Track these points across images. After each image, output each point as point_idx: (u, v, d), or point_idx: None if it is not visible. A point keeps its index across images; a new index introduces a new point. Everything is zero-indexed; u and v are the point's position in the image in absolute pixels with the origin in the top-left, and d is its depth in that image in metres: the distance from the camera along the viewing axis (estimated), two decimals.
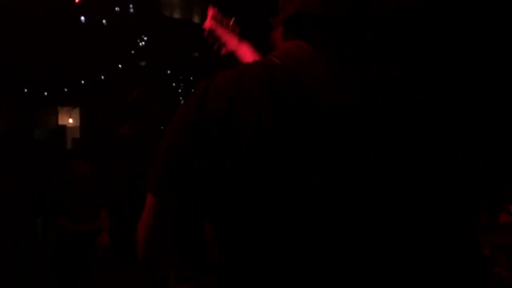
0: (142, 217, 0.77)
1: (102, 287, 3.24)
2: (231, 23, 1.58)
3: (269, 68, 0.70)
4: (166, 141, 0.74)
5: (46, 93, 6.90)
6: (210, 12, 1.55)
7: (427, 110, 0.71)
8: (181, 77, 7.17)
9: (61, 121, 8.59)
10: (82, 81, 6.55)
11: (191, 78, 6.87)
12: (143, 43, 5.68)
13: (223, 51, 1.59)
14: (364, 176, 0.66)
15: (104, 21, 4.80)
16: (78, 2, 4.27)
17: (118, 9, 4.63)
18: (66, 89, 6.83)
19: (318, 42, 0.74)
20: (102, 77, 6.48)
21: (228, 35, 1.58)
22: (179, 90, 7.14)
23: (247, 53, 1.56)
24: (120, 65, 6.17)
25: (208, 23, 1.56)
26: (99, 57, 5.98)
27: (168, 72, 6.72)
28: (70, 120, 8.70)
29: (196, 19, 5.50)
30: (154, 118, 4.25)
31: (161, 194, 0.73)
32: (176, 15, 5.37)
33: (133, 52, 5.89)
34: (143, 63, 6.53)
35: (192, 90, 0.78)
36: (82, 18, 4.58)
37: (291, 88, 0.68)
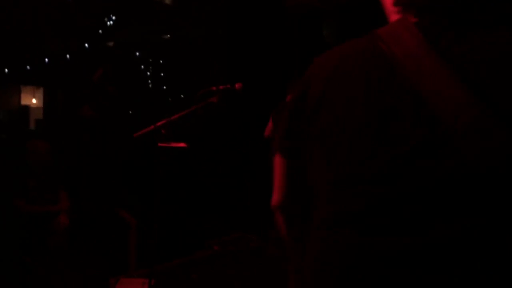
0: (276, 173, 1.08)
1: (59, 270, 3.15)
2: None
3: (372, 56, 0.80)
4: (284, 115, 1.01)
5: (7, 71, 6.63)
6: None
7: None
8: (150, 60, 7.02)
9: (24, 101, 8.30)
10: (46, 60, 6.32)
11: (161, 61, 6.73)
12: (111, 22, 5.51)
13: None
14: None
15: None
16: None
17: None
18: (28, 67, 6.58)
19: (425, 24, 0.78)
20: (68, 56, 6.27)
21: None
22: (148, 73, 6.99)
23: None
24: (86, 45, 5.97)
25: None
26: (65, 35, 5.77)
27: (137, 54, 6.56)
28: (34, 101, 8.41)
29: (167, 0, 5.37)
30: (114, 99, 4.14)
31: (285, 154, 1.02)
32: None
33: (100, 31, 5.71)
34: (111, 44, 6.35)
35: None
36: None
37: (389, 78, 0.76)
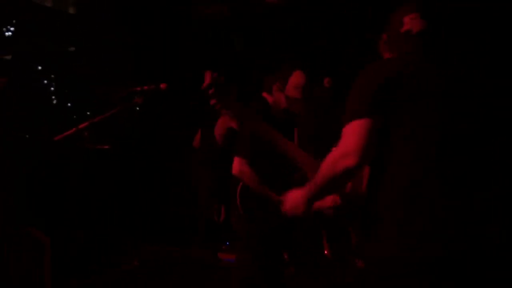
0: (351, 135, 1.51)
1: None
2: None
3: (399, 63, 1.62)
4: (357, 89, 1.59)
5: None
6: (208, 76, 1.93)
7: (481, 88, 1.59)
8: (53, 75, 6.63)
9: None
10: None
11: (66, 75, 6.39)
12: (10, 33, 5.16)
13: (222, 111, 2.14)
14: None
15: None
16: None
17: None
18: None
19: (419, 51, 1.63)
20: None
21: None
22: (51, 88, 6.60)
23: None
24: None
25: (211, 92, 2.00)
26: None
27: (39, 68, 6.18)
28: None
29: (71, 10, 5.16)
30: (18, 113, 3.88)
31: (370, 116, 1.49)
32: (48, 3, 4.98)
33: None
34: (8, 57, 5.92)
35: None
36: None
37: (412, 73, 1.56)
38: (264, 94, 2.96)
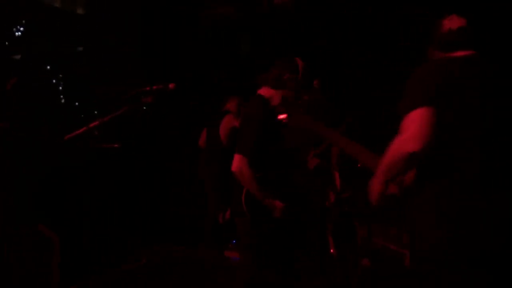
0: (413, 122, 1.65)
1: None
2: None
3: (448, 63, 1.83)
4: (417, 83, 1.76)
5: None
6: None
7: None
8: (61, 74, 6.69)
9: None
10: None
11: (74, 75, 6.45)
12: (19, 33, 5.22)
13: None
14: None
15: None
16: None
17: None
18: None
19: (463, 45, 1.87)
20: None
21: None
22: (60, 88, 6.66)
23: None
24: None
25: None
26: None
27: (48, 67, 6.24)
28: None
29: (79, 10, 5.21)
30: (27, 112, 3.92)
31: (431, 106, 1.66)
32: (56, 4, 5.03)
33: (7, 43, 5.37)
34: (18, 57, 5.98)
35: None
36: None
37: (460, 73, 1.79)
38: (261, 92, 2.90)
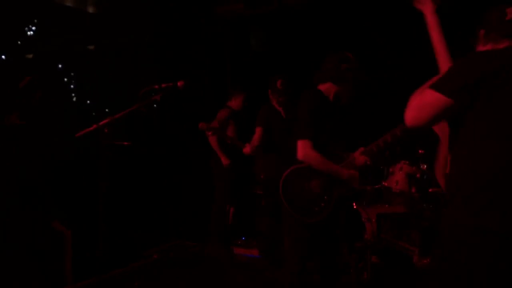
0: (421, 100, 1.75)
1: None
2: None
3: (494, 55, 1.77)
4: (454, 71, 1.76)
5: None
6: None
7: None
8: (73, 73, 6.76)
9: None
10: None
11: (86, 73, 6.51)
12: (32, 33, 5.28)
13: None
14: None
15: None
16: None
17: None
18: None
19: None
20: None
21: None
22: (71, 86, 6.73)
23: None
24: (3, 56, 5.65)
25: None
26: None
27: (60, 66, 6.31)
28: None
29: (91, 9, 5.25)
30: (40, 108, 3.96)
31: (451, 97, 1.68)
32: (68, 3, 5.08)
33: (19, 42, 5.44)
34: (30, 56, 6.06)
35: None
36: None
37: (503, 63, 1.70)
38: (319, 87, 2.88)
